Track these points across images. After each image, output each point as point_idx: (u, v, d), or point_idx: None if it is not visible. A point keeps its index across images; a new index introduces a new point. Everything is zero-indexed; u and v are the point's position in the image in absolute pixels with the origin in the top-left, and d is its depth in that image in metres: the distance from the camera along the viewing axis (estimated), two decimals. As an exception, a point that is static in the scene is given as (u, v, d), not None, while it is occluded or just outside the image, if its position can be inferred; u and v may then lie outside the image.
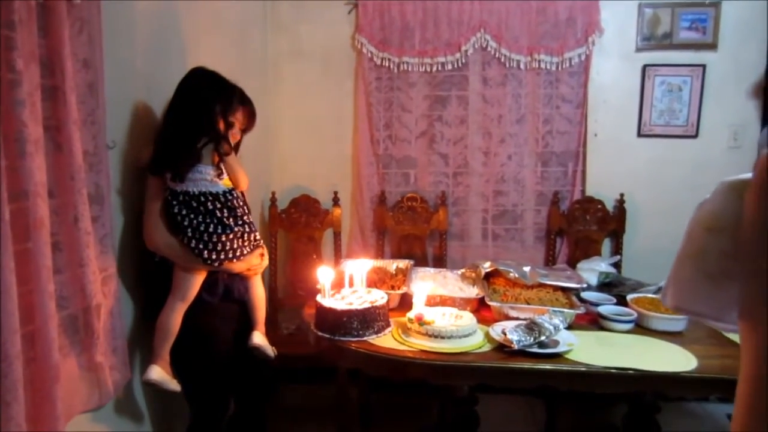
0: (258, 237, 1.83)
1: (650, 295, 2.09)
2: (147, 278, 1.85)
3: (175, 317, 1.74)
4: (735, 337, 1.83)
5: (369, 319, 1.79)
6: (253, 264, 1.85)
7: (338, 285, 2.00)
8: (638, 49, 2.92)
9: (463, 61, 2.98)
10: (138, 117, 1.82)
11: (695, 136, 2.95)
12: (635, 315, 1.92)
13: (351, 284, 1.97)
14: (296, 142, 3.08)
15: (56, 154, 1.33)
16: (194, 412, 1.92)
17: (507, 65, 2.96)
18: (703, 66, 2.88)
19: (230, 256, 1.73)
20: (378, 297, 1.88)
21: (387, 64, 3.01)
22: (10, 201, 1.13)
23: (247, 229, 1.76)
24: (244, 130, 1.92)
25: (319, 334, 1.81)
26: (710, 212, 0.80)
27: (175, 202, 1.69)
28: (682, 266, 0.84)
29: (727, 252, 0.76)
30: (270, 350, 1.93)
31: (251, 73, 2.81)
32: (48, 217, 1.24)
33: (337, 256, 3.04)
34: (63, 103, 1.29)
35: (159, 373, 1.72)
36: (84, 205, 1.38)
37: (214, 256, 1.69)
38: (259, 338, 1.90)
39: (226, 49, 2.55)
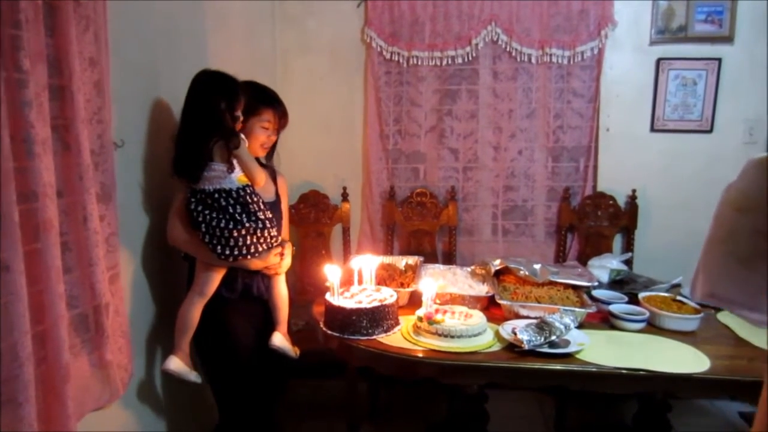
0: (275, 234, 1.83)
1: (662, 294, 2.07)
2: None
3: (193, 311, 1.79)
4: (748, 336, 1.81)
5: (378, 317, 1.78)
6: (271, 263, 1.85)
7: (347, 282, 1.99)
8: (652, 43, 2.87)
9: (474, 54, 2.95)
10: (149, 115, 1.83)
11: (710, 131, 2.90)
12: (647, 314, 1.89)
13: (360, 281, 1.97)
14: (305, 137, 3.06)
15: (64, 154, 1.32)
16: (221, 409, 1.95)
17: (518, 59, 2.93)
18: (719, 60, 2.83)
19: (244, 252, 1.73)
20: (387, 295, 1.87)
21: (396, 58, 2.99)
22: (19, 202, 1.13)
23: (261, 226, 1.76)
24: (278, 130, 1.95)
25: (329, 332, 1.81)
26: (739, 191, 0.77)
27: (193, 200, 1.72)
28: (712, 251, 0.81)
29: (760, 231, 0.72)
30: (291, 351, 1.94)
31: (260, 69, 2.80)
32: (57, 218, 1.24)
33: (346, 251, 3.04)
34: (70, 103, 1.29)
35: (177, 363, 1.77)
36: (92, 205, 1.38)
37: (228, 252, 1.71)
38: (278, 339, 1.91)
39: (234, 45, 2.54)
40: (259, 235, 1.76)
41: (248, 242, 1.74)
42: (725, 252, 0.78)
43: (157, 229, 1.85)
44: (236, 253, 1.72)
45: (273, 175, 2.03)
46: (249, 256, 1.76)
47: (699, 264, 0.84)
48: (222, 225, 1.70)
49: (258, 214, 1.76)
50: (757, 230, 0.73)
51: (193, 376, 1.81)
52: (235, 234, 1.71)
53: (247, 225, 1.72)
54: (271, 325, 1.94)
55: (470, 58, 2.96)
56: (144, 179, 1.80)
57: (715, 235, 0.80)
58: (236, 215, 1.71)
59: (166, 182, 1.82)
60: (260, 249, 1.78)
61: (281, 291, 1.94)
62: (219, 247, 1.71)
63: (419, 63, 2.98)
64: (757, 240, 0.73)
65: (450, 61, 2.96)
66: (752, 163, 0.75)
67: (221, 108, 1.67)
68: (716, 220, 0.80)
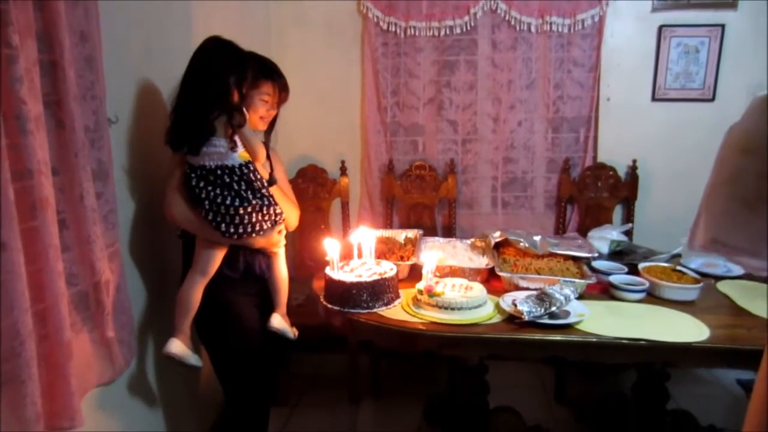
0: (279, 211, 1.78)
1: (662, 264, 2.07)
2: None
3: (195, 291, 1.74)
4: (748, 306, 1.81)
5: (378, 291, 1.78)
6: (273, 241, 1.82)
7: (347, 256, 1.99)
8: (654, 9, 2.82)
9: (472, 24, 2.90)
10: (141, 90, 1.79)
11: (712, 99, 2.88)
12: (647, 284, 1.89)
13: (360, 255, 1.97)
14: (302, 111, 3.02)
15: (58, 131, 1.30)
16: (227, 389, 1.92)
17: (517, 28, 2.88)
18: (722, 26, 2.78)
19: (249, 230, 1.70)
20: (387, 268, 1.87)
21: (394, 29, 2.94)
22: (14, 180, 1.12)
23: (266, 203, 1.72)
24: (278, 104, 1.90)
25: (329, 306, 1.81)
26: (744, 132, 0.74)
27: (193, 176, 1.66)
28: (715, 194, 0.78)
29: (766, 173, 0.70)
30: (290, 332, 1.93)
31: (255, 42, 2.71)
32: (53, 195, 1.22)
33: (346, 226, 3.04)
34: (62, 79, 1.26)
35: (179, 346, 1.72)
36: (89, 182, 1.36)
37: (232, 230, 1.67)
38: (277, 321, 1.88)
39: (228, 17, 2.49)
40: (264, 212, 1.73)
41: (254, 220, 1.70)
42: (729, 195, 0.75)
43: (148, 207, 1.81)
44: (241, 231, 1.68)
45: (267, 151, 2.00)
46: (254, 234, 1.72)
47: (700, 209, 0.81)
48: (227, 202, 1.65)
49: (263, 191, 1.72)
50: (762, 172, 0.70)
51: (194, 360, 1.75)
52: (241, 211, 1.67)
53: (253, 202, 1.68)
54: (272, 304, 1.92)
55: (468, 28, 2.91)
56: (134, 156, 1.75)
57: (718, 178, 0.77)
58: (242, 192, 1.67)
59: (157, 159, 1.78)
60: (265, 227, 1.74)
61: (281, 272, 1.91)
62: (223, 225, 1.66)
63: (417, 34, 2.93)
64: (763, 183, 0.70)
65: (448, 32, 2.91)
66: (757, 102, 0.73)
67: (229, 83, 1.61)
68: (719, 163, 0.77)
